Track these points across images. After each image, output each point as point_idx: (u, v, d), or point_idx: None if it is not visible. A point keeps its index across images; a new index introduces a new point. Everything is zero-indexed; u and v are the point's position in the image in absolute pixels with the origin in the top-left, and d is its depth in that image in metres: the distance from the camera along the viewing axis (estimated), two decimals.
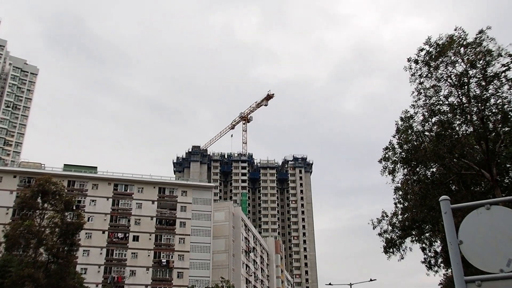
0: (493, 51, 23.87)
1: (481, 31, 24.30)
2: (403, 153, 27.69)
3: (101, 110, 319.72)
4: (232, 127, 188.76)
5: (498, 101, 24.29)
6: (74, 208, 53.45)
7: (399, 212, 30.53)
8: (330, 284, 53.35)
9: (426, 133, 26.77)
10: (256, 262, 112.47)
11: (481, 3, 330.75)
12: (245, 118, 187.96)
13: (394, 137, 28.16)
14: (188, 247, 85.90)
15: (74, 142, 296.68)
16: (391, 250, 30.47)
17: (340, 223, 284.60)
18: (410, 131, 27.13)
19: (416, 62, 26.06)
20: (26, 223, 45.50)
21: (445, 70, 25.23)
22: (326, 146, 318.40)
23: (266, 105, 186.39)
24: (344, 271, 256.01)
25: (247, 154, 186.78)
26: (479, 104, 24.35)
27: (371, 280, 52.89)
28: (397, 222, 30.52)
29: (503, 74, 23.68)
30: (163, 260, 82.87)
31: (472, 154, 25.79)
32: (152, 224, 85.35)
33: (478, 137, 24.41)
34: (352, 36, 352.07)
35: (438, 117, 25.90)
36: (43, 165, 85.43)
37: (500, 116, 24.39)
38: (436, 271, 31.21)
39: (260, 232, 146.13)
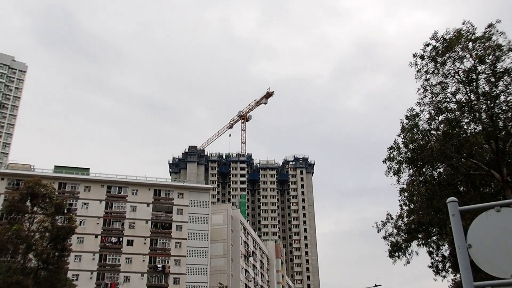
0: (503, 45, 23.86)
1: (490, 25, 24.28)
2: (408, 153, 27.66)
3: (93, 109, 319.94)
4: (231, 126, 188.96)
5: (508, 98, 24.28)
6: (65, 211, 53.38)
7: (405, 214, 30.51)
8: None
9: (433, 132, 26.75)
10: (256, 267, 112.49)
11: None
12: (243, 117, 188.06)
13: (399, 136, 28.14)
14: (184, 252, 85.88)
15: (65, 143, 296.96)
16: (396, 254, 30.46)
17: (343, 226, 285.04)
18: (416, 130, 27.10)
19: (422, 57, 26.03)
20: (15, 228, 45.42)
21: (452, 66, 25.21)
22: (328, 145, 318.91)
23: (265, 103, 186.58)
24: (348, 276, 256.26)
25: (246, 154, 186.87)
26: (488, 102, 24.33)
27: (375, 285, 52.92)
28: (402, 225, 30.51)
29: None
30: (158, 266, 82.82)
31: (481, 153, 25.76)
32: (147, 227, 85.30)
33: (487, 136, 24.39)
34: (355, 31, 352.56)
35: (445, 115, 25.88)
36: (32, 167, 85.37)
37: (510, 113, 24.39)
38: (444, 276, 31.21)
39: (259, 236, 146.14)
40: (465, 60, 24.87)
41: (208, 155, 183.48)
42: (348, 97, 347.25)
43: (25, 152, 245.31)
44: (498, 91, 24.23)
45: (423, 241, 30.42)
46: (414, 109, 27.24)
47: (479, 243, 5.09)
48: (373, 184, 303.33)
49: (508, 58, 23.79)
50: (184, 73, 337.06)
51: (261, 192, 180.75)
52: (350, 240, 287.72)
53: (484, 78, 24.58)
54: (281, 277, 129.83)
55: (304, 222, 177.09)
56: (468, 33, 24.74)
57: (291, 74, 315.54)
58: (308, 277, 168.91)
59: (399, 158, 28.20)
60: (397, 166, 28.26)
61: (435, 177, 27.98)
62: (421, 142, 26.82)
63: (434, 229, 29.42)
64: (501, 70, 23.90)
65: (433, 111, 26.35)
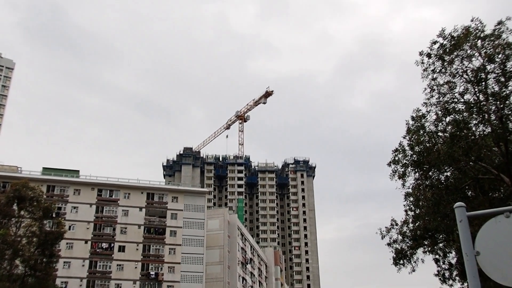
0: None
1: (500, 22, 24.34)
2: (414, 156, 27.68)
3: (84, 108, 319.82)
4: (228, 127, 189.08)
5: None
6: (54, 215, 53.36)
7: (410, 220, 30.54)
8: None
9: (440, 133, 26.78)
10: (254, 275, 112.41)
11: None
12: (241, 117, 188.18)
13: (404, 138, 28.16)
14: (179, 258, 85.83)
15: (54, 143, 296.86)
16: (401, 261, 30.49)
17: (345, 232, 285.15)
18: (422, 132, 27.13)
19: (429, 56, 26.06)
20: (1, 232, 45.33)
21: (460, 64, 25.25)
22: (330, 147, 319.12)
23: (264, 103, 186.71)
24: (350, 284, 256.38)
25: (244, 156, 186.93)
26: (498, 102, 24.36)
27: None
28: (407, 231, 30.53)
29: None
30: (151, 273, 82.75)
31: (490, 156, 25.80)
32: (139, 233, 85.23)
33: (496, 138, 24.42)
34: (359, 27, 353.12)
35: (452, 116, 25.90)
36: (19, 169, 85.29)
37: None
38: (451, 285, 31.23)
39: (258, 242, 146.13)
40: (473, 59, 24.92)
41: (204, 157, 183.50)
42: (351, 97, 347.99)
43: (12, 153, 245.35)
44: (508, 92, 24.27)
45: (429, 248, 30.44)
46: (420, 110, 27.28)
47: (487, 250, 5.10)
48: (377, 188, 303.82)
49: None
50: (179, 70, 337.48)
51: (259, 196, 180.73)
52: (352, 247, 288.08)
53: (493, 78, 24.61)
54: (280, 285, 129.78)
55: (305, 228, 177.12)
56: (477, 31, 24.79)
57: (292, 72, 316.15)
58: (308, 286, 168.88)
59: (405, 161, 28.22)
60: (402, 169, 28.27)
61: (442, 181, 28.01)
62: (428, 145, 26.84)
63: (441, 236, 29.45)
64: (511, 69, 23.95)
65: (440, 112, 26.38)
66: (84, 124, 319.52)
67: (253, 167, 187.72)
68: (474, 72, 24.79)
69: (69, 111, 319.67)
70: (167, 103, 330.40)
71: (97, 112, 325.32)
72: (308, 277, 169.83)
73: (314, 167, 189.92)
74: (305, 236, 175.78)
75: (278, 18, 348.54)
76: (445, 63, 25.60)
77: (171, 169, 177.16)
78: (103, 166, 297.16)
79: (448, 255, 30.94)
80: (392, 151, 28.74)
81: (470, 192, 28.17)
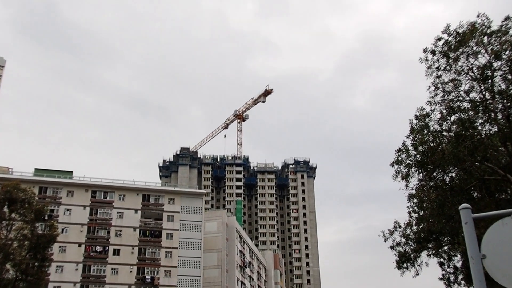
0: None
1: (507, 18, 24.35)
2: (418, 156, 27.69)
3: (77, 107, 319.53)
4: (226, 127, 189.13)
5: None
6: (46, 218, 53.41)
7: (414, 222, 30.56)
8: None
9: (444, 133, 26.80)
10: (253, 279, 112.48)
11: None
12: (240, 117, 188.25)
13: (408, 137, 28.18)
14: (175, 262, 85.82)
15: (46, 144, 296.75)
16: (404, 265, 30.51)
17: (347, 235, 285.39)
18: (426, 131, 27.15)
19: (433, 53, 26.08)
20: None
21: (466, 62, 25.27)
22: (331, 147, 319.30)
23: (263, 101, 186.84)
24: None
25: (243, 157, 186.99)
26: (505, 101, 24.37)
27: None
28: (411, 234, 30.56)
29: None
30: (147, 277, 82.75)
31: (497, 157, 25.80)
32: (135, 236, 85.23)
33: (503, 138, 24.44)
34: (361, 24, 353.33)
35: (458, 115, 25.93)
36: (10, 169, 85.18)
37: None
38: None
39: (257, 245, 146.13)
40: (479, 56, 24.93)
41: (202, 157, 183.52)
42: (353, 95, 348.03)
43: (3, 154, 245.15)
44: None
45: (434, 251, 30.45)
46: (424, 109, 27.31)
47: (494, 254, 5.08)
48: (379, 189, 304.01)
49: None
50: (176, 68, 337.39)
51: (258, 197, 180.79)
52: (354, 250, 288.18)
53: (500, 75, 24.63)
54: None
55: (305, 230, 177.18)
56: (483, 27, 24.80)
57: (292, 70, 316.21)
58: None
59: (408, 161, 28.24)
60: (406, 170, 28.29)
61: (447, 182, 28.02)
62: (432, 144, 26.85)
63: (446, 238, 29.46)
64: None
65: (444, 111, 26.39)
66: (78, 123, 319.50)
67: (252, 167, 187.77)
68: (480, 69, 24.80)
69: (62, 110, 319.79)
70: (163, 102, 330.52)
71: (91, 111, 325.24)
72: (308, 281, 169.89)
73: (315, 168, 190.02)
74: (306, 238, 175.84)
75: (277, 15, 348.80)
76: (450, 60, 25.63)
77: (168, 170, 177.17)
78: (97, 167, 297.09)
79: (453, 258, 30.93)
80: (395, 151, 28.76)
81: (475, 194, 28.15)
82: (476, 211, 5.80)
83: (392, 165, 28.82)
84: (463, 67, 25.40)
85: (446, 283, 31.07)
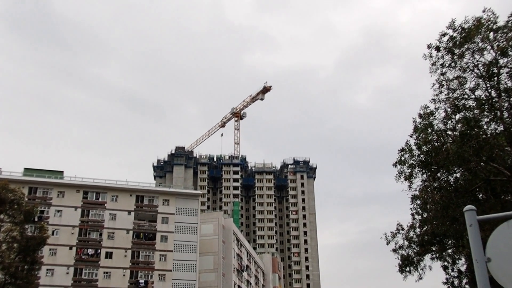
0: None
1: None
2: (421, 156, 27.72)
3: (68, 104, 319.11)
4: (223, 125, 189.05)
5: None
6: (36, 219, 53.36)
7: (417, 224, 30.61)
8: None
9: (449, 132, 26.83)
10: (250, 283, 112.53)
11: None
12: (237, 115, 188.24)
13: (411, 136, 28.19)
14: (170, 266, 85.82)
15: (36, 142, 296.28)
16: (407, 268, 30.56)
17: (348, 238, 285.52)
18: (430, 130, 27.17)
19: (438, 49, 26.10)
20: None
21: (471, 58, 25.30)
22: (331, 147, 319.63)
23: (262, 99, 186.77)
24: None
25: (240, 156, 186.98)
26: (511, 99, 24.41)
27: None
28: (414, 236, 30.60)
29: None
30: (140, 281, 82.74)
31: (503, 157, 25.82)
32: (128, 238, 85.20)
33: (509, 137, 24.47)
34: (363, 18, 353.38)
35: (463, 113, 25.96)
36: None
37: None
38: None
39: (254, 248, 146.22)
40: (485, 52, 24.96)
41: (198, 157, 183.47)
42: (355, 93, 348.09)
43: None
44: None
45: (437, 255, 30.51)
46: (428, 107, 27.32)
47: (499, 257, 5.09)
48: (381, 190, 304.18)
49: None
50: (171, 64, 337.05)
51: (256, 199, 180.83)
52: (355, 253, 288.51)
53: (506, 73, 24.66)
54: None
55: (305, 233, 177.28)
56: (489, 22, 24.83)
57: (291, 66, 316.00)
58: None
59: (411, 161, 28.25)
60: (409, 170, 28.30)
61: (451, 182, 28.05)
62: (436, 144, 26.88)
63: (450, 241, 29.51)
64: None
65: (449, 109, 26.42)
66: (69, 121, 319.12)
67: (249, 167, 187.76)
68: (486, 66, 24.83)
69: (52, 107, 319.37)
70: (158, 99, 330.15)
71: (83, 109, 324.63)
72: (308, 285, 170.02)
73: (315, 168, 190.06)
74: (305, 241, 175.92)
75: (277, 8, 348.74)
76: (455, 57, 25.65)
77: (162, 170, 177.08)
78: (89, 167, 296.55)
79: (457, 261, 31.02)
80: (398, 150, 28.78)
81: (481, 195, 28.20)
82: (481, 213, 5.81)
83: (395, 165, 28.83)
84: (469, 64, 25.43)
85: (450, 287, 31.14)
